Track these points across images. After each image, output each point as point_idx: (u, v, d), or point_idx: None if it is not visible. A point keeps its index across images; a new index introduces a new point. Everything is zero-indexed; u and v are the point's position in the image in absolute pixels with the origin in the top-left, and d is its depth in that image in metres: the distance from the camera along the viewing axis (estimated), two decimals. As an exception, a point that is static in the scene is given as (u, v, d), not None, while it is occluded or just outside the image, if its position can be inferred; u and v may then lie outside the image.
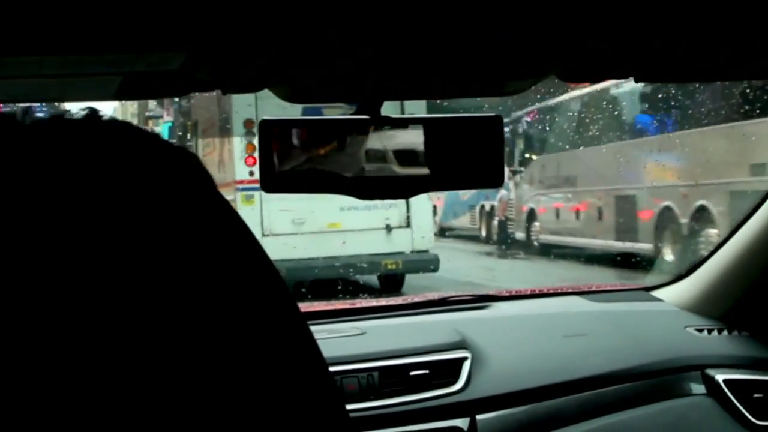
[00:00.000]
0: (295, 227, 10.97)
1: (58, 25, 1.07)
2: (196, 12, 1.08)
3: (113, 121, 0.55)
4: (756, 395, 2.35)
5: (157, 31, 1.13)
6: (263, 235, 10.54)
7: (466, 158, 1.45)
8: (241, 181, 11.13)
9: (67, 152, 0.51)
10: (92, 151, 0.51)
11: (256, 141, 9.78)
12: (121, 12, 1.05)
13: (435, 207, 21.32)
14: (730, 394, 2.35)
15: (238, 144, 11.43)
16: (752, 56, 1.46)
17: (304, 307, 2.73)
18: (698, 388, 2.39)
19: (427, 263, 11.60)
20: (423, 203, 11.63)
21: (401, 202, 10.97)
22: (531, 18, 1.18)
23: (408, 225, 11.73)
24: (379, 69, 1.40)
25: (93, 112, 0.55)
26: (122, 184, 0.51)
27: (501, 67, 1.42)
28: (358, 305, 2.81)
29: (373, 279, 12.02)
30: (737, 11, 1.19)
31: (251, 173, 11.07)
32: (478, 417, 2.20)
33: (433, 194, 20.51)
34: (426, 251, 11.79)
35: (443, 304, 2.74)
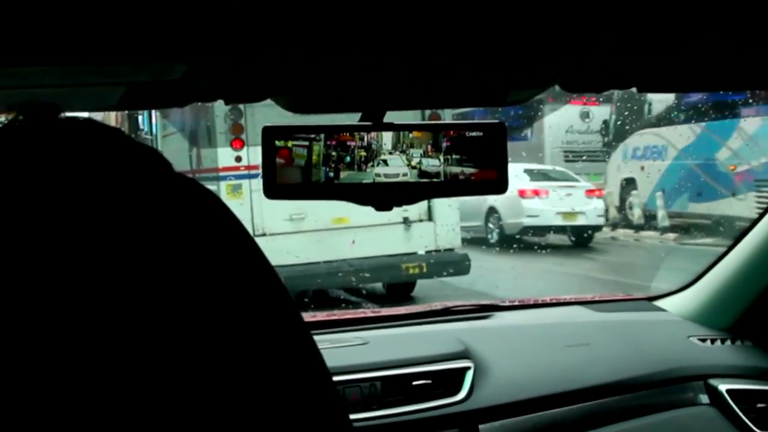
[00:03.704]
0: (293, 224, 9.08)
1: (61, 36, 1.07)
2: (198, 22, 1.08)
3: (77, 120, 0.55)
4: (759, 405, 2.35)
5: (159, 42, 1.13)
6: (255, 235, 8.33)
7: (471, 166, 1.46)
8: (226, 169, 9.07)
9: (64, 156, 0.51)
10: (59, 151, 0.51)
11: (243, 120, 8.56)
12: (124, 22, 1.05)
13: (634, 180, 16.82)
14: (733, 404, 2.34)
15: (221, 124, 9.29)
16: (754, 66, 1.46)
17: (307, 317, 2.73)
18: (701, 398, 2.39)
19: (456, 264, 9.87)
20: None
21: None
22: (534, 28, 1.19)
23: (430, 218, 9.99)
24: (382, 79, 1.40)
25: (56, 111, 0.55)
26: (116, 188, 0.51)
27: (504, 77, 1.42)
28: (361, 315, 2.81)
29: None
30: (740, 22, 1.19)
31: (238, 158, 9.05)
32: (481, 427, 2.19)
33: (635, 162, 17.01)
34: (452, 250, 10.11)
35: (446, 313, 2.74)
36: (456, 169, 1.45)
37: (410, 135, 1.45)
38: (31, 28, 1.03)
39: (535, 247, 14.60)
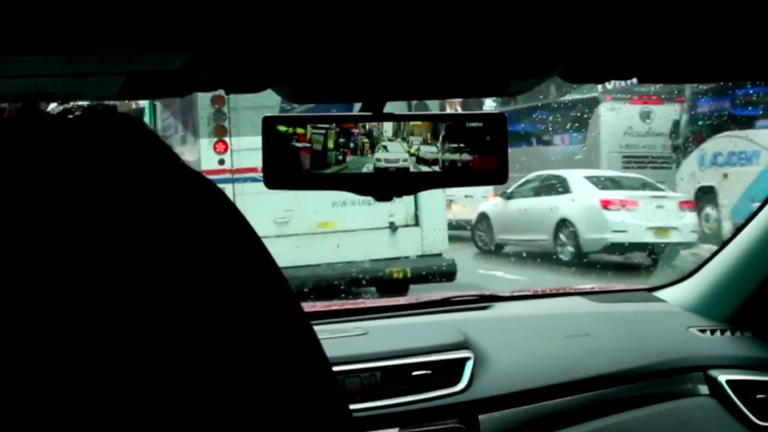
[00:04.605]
0: (277, 228, 9.08)
1: (62, 25, 1.07)
2: (200, 12, 1.08)
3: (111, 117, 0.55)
4: (759, 396, 2.35)
5: (161, 31, 1.13)
6: None
7: (470, 155, 1.46)
8: (208, 172, 8.64)
9: (66, 149, 0.51)
10: (84, 149, 0.51)
11: (227, 123, 8.10)
12: (125, 12, 1.05)
13: (713, 188, 14.25)
14: (732, 395, 2.34)
15: (204, 126, 9.31)
16: (756, 56, 1.46)
17: (307, 307, 2.73)
18: (701, 389, 2.39)
19: (442, 270, 9.75)
20: (435, 195, 9.49)
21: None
22: (534, 18, 1.18)
23: (416, 223, 9.84)
24: (383, 69, 1.40)
25: (93, 108, 0.55)
26: (119, 181, 0.51)
27: (504, 68, 1.42)
28: (361, 305, 2.81)
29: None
30: (740, 11, 1.19)
31: (221, 161, 9.15)
32: (481, 417, 2.20)
33: (715, 169, 13.58)
34: (439, 255, 9.97)
35: (446, 304, 2.74)
36: (454, 157, 1.46)
37: (410, 123, 1.46)
38: (31, 17, 1.03)
39: (619, 267, 12.60)
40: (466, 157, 1.45)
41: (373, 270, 9.50)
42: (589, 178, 14.03)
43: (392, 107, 1.48)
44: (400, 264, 9.68)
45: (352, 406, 0.59)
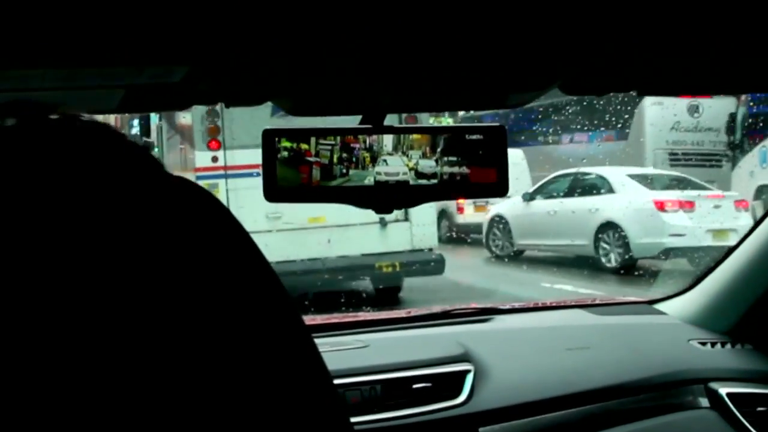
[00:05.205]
0: (269, 223, 9.21)
1: (62, 38, 1.07)
2: (199, 25, 1.08)
3: (89, 123, 0.55)
4: (759, 409, 2.34)
5: (160, 44, 1.13)
6: None
7: (469, 168, 1.46)
8: (202, 168, 9.45)
9: (53, 155, 0.50)
10: (72, 154, 0.51)
11: (220, 122, 8.44)
12: (124, 25, 1.05)
13: None
14: (733, 408, 2.34)
15: (198, 126, 9.63)
16: (753, 70, 1.46)
17: (307, 320, 2.73)
18: (702, 402, 2.38)
19: (430, 264, 10.02)
20: None
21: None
22: (534, 31, 1.19)
23: (406, 218, 10.03)
24: (382, 82, 1.40)
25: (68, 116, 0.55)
26: (109, 188, 0.51)
27: (504, 81, 1.43)
28: (362, 318, 2.81)
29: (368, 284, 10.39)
30: (738, 24, 1.19)
31: (214, 158, 9.52)
32: (481, 430, 2.19)
33: None
34: (428, 250, 10.21)
35: (446, 317, 2.74)
36: (452, 170, 1.46)
37: (410, 137, 1.46)
38: (31, 30, 1.03)
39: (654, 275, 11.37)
40: (464, 170, 1.45)
41: (363, 264, 9.71)
42: (634, 177, 13.03)
43: (388, 120, 1.49)
44: (390, 258, 9.84)
45: (352, 420, 0.59)
